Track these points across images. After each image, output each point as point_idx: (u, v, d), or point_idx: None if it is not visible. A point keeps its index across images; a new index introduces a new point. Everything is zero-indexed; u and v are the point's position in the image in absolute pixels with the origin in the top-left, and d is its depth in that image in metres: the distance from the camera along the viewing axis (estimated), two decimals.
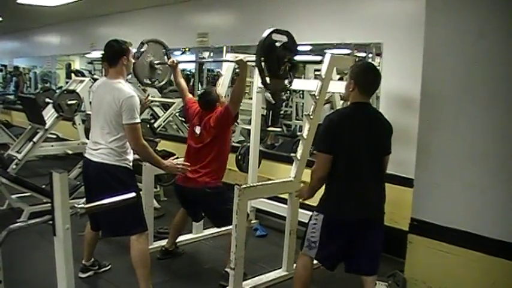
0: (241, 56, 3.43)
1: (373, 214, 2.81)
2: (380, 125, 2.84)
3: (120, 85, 3.07)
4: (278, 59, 3.18)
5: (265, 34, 3.13)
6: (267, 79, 3.20)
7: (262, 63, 3.13)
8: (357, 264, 2.82)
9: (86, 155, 3.19)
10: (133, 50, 3.27)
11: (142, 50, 3.89)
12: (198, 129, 3.67)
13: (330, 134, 2.72)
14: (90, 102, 4.72)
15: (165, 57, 4.05)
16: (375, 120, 2.85)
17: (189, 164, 3.50)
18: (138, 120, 3.04)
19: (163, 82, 4.22)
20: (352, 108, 2.80)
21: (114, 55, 3.13)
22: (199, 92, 6.82)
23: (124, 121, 2.99)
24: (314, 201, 2.92)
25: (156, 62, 3.99)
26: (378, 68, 4.42)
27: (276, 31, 3.18)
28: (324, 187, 2.84)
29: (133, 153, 3.20)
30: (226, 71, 4.49)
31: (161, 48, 4.07)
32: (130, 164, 3.17)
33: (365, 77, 2.75)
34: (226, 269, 3.48)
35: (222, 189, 3.64)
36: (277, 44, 3.17)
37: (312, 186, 2.86)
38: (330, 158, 2.69)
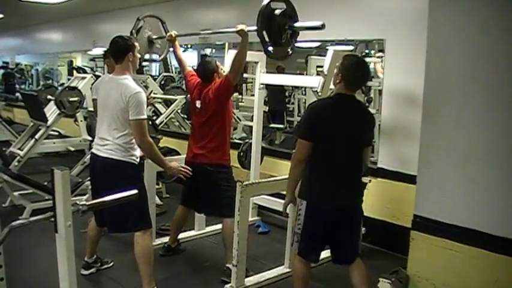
0: (241, 26, 3.36)
1: (351, 203, 2.85)
2: (361, 117, 2.89)
3: (127, 81, 3.07)
4: (279, 27, 3.14)
5: (264, 2, 3.10)
6: (270, 48, 3.17)
7: (264, 32, 3.10)
8: (339, 253, 2.89)
9: (93, 151, 3.21)
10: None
11: (139, 26, 3.85)
12: (198, 104, 3.63)
13: (311, 122, 2.81)
14: (93, 99, 4.71)
15: (163, 30, 4.01)
16: (357, 111, 2.90)
17: (190, 169, 3.48)
18: (145, 116, 3.05)
19: (163, 56, 4.18)
20: (335, 99, 2.86)
21: (120, 51, 3.12)
22: None
23: (130, 117, 3.00)
24: None
25: (154, 36, 3.95)
26: (379, 64, 4.43)
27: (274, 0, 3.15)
28: (304, 174, 2.88)
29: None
30: (228, 68, 4.47)
31: (158, 22, 4.03)
32: (137, 159, 3.17)
33: (353, 73, 2.78)
34: (227, 265, 3.49)
35: (231, 174, 3.66)
36: (277, 12, 3.13)
37: (291, 176, 2.90)
38: (309, 144, 2.77)
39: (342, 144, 2.78)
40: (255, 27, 3.13)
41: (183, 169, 3.42)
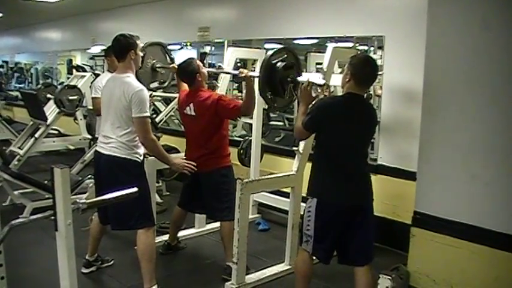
0: (245, 71, 3.39)
1: (362, 201, 2.82)
2: (369, 116, 2.90)
3: (129, 79, 3.07)
4: (281, 81, 3.17)
5: (266, 56, 3.16)
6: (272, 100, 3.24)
7: (267, 90, 3.16)
8: (349, 255, 2.83)
9: (97, 149, 3.22)
10: (141, 44, 3.25)
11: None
12: (189, 110, 3.55)
13: (316, 117, 2.78)
14: (92, 98, 4.69)
15: (165, 56, 4.06)
16: (365, 110, 2.90)
17: (195, 164, 3.47)
18: (148, 114, 3.06)
19: (168, 82, 4.21)
20: (346, 98, 2.83)
21: (122, 50, 3.11)
22: None
23: (133, 114, 3.00)
24: None
25: (158, 65, 4.00)
26: (379, 61, 4.42)
27: (275, 53, 3.17)
28: (313, 172, 2.87)
29: None
30: (228, 65, 4.47)
31: (159, 49, 4.07)
32: (141, 157, 3.18)
33: (362, 70, 2.76)
34: (227, 263, 3.49)
35: (232, 174, 3.63)
36: (278, 65, 3.15)
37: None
38: (308, 134, 2.93)
39: (351, 142, 2.78)
40: (257, 73, 3.20)
41: (187, 165, 3.42)
